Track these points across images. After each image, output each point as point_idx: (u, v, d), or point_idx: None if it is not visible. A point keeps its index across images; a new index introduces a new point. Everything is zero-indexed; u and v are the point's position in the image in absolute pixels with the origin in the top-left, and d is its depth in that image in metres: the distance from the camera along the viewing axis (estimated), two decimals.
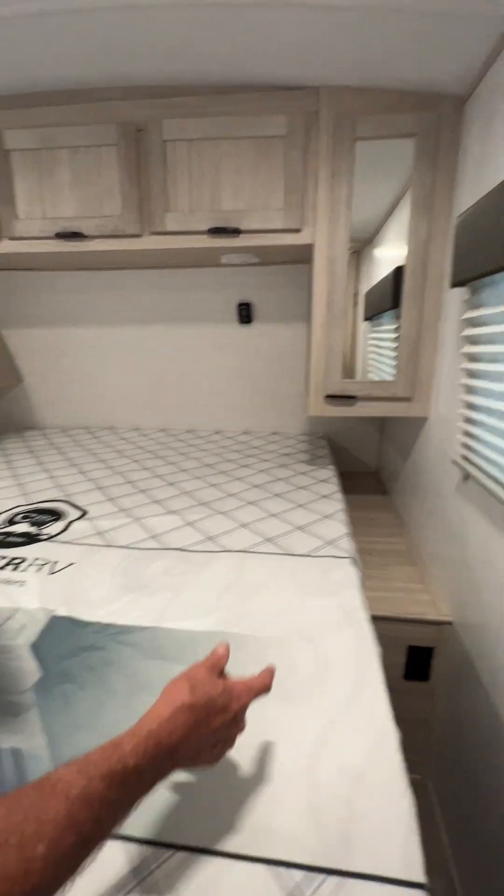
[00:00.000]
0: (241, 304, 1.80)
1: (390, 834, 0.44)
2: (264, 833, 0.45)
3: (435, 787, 1.18)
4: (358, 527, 1.43)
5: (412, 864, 0.41)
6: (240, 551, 1.03)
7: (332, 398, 1.35)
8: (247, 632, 0.75)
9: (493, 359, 0.94)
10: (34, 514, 1.25)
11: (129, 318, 1.93)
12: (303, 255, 1.51)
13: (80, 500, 1.35)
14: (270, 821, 0.46)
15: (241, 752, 0.55)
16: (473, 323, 1.01)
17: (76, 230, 1.29)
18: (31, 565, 0.98)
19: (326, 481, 1.49)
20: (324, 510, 1.25)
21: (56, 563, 0.99)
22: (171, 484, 1.48)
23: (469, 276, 0.93)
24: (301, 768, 0.52)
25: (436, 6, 0.84)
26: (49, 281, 1.81)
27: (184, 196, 1.24)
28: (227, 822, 0.46)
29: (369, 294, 1.55)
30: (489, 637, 0.90)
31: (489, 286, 0.95)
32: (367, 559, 1.36)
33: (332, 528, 1.15)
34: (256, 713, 0.60)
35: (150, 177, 1.24)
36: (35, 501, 1.34)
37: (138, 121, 1.21)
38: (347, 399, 1.35)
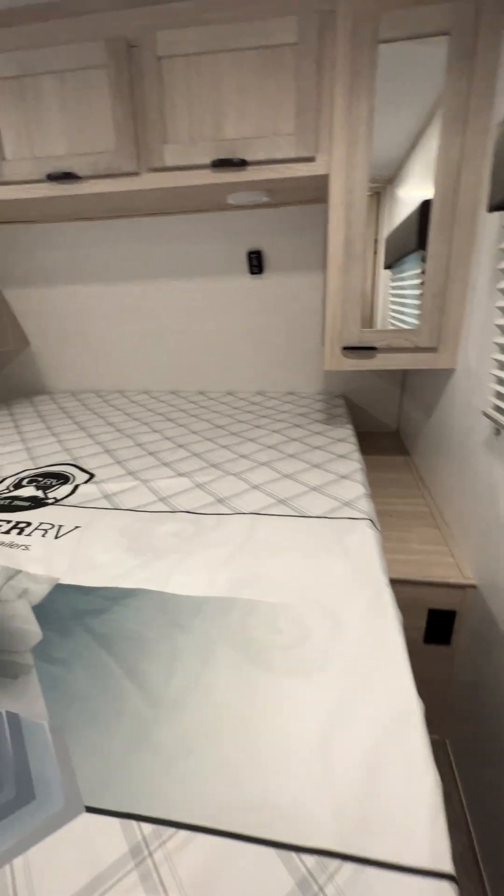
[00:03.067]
0: (251, 253, 1.67)
1: (413, 818, 0.40)
2: (272, 813, 0.41)
3: (453, 747, 1.16)
4: (377, 488, 1.36)
5: (439, 852, 0.37)
6: (251, 513, 0.97)
7: (350, 350, 1.25)
8: (258, 597, 0.71)
9: None
10: (41, 478, 1.22)
11: (131, 273, 1.82)
12: (318, 193, 1.37)
13: (88, 464, 1.31)
14: (280, 800, 0.42)
15: (249, 724, 0.51)
16: None
17: (68, 170, 1.18)
18: (36, 529, 0.95)
19: (343, 441, 1.41)
20: (340, 470, 1.18)
21: (61, 526, 0.96)
22: (181, 446, 1.43)
23: None
24: (314, 743, 0.48)
25: None
26: (45, 234, 1.70)
27: (183, 123, 1.11)
28: (232, 800, 0.43)
29: (390, 238, 1.40)
30: None
31: None
32: (387, 521, 1.29)
33: (349, 488, 1.08)
34: (266, 683, 0.56)
35: (146, 102, 1.11)
36: (42, 466, 1.31)
37: (129, 35, 1.07)
38: (367, 350, 1.24)
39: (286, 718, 0.52)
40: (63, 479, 1.21)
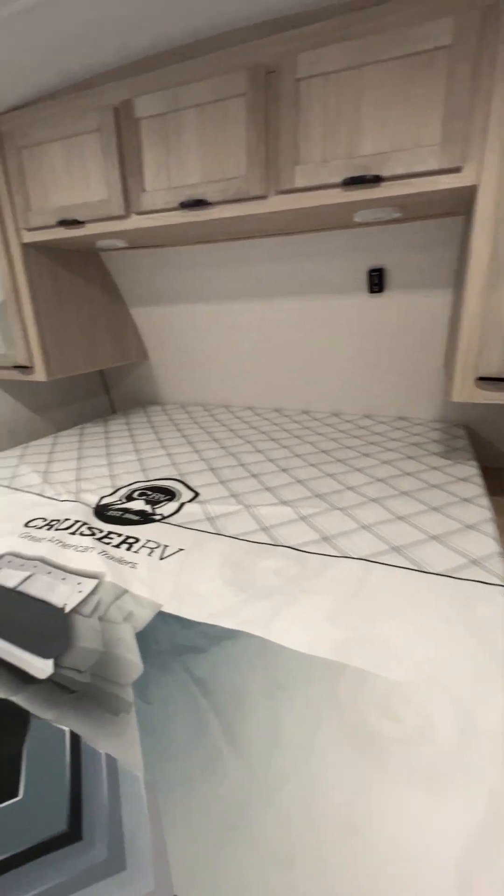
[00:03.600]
0: (372, 271, 1.58)
1: None
2: None
3: None
4: None
5: None
6: (361, 559, 0.88)
7: (488, 381, 1.09)
8: (370, 667, 0.62)
9: None
10: (150, 492, 1.27)
11: (248, 292, 1.84)
12: (454, 207, 1.24)
13: (193, 481, 1.33)
14: None
15: (360, 838, 0.43)
16: None
17: (200, 197, 1.22)
18: (143, 546, 0.97)
19: (467, 480, 1.25)
20: (465, 518, 1.03)
21: (166, 547, 0.97)
22: (284, 470, 1.38)
23: None
24: (448, 881, 0.39)
25: None
26: (169, 257, 1.80)
27: (316, 144, 1.08)
28: None
29: None
30: None
31: None
32: None
33: (477, 542, 0.93)
34: (381, 787, 0.47)
35: (280, 125, 1.09)
36: (152, 479, 1.37)
37: (269, 62, 1.07)
38: None
39: (407, 838, 0.43)
40: (170, 494, 1.24)
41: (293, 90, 1.06)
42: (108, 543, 0.98)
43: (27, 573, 0.88)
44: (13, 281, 1.61)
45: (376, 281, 1.60)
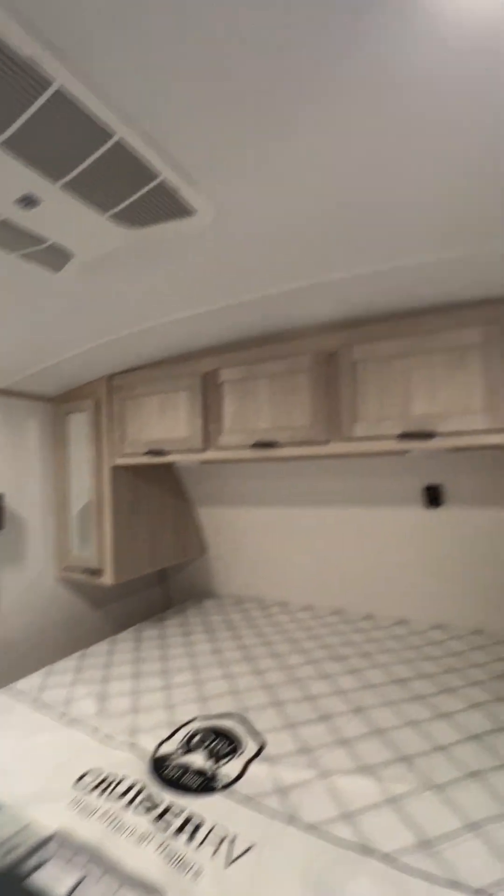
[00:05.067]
0: (428, 488, 1.66)
1: None
2: None
3: None
4: None
5: None
6: (480, 891, 0.70)
7: None
8: None
9: None
10: (212, 737, 1.15)
11: (308, 501, 1.96)
12: None
13: (258, 721, 1.21)
14: None
15: None
16: None
17: (270, 440, 1.42)
18: (206, 837, 0.84)
19: None
20: None
21: (234, 839, 0.83)
22: (358, 711, 1.24)
23: None
24: None
25: None
26: (238, 469, 2.01)
27: (373, 405, 1.27)
28: None
29: None
30: None
31: None
32: None
33: None
34: None
35: (340, 392, 1.32)
36: (213, 714, 1.26)
37: (329, 348, 1.35)
38: None
39: None
40: (232, 744, 1.12)
41: (350, 369, 1.30)
42: (166, 829, 0.86)
43: (77, 877, 0.77)
44: (99, 494, 1.82)
45: (433, 496, 1.66)
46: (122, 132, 0.61)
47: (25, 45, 0.49)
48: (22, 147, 0.61)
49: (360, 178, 0.73)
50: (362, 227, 0.86)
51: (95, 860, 0.80)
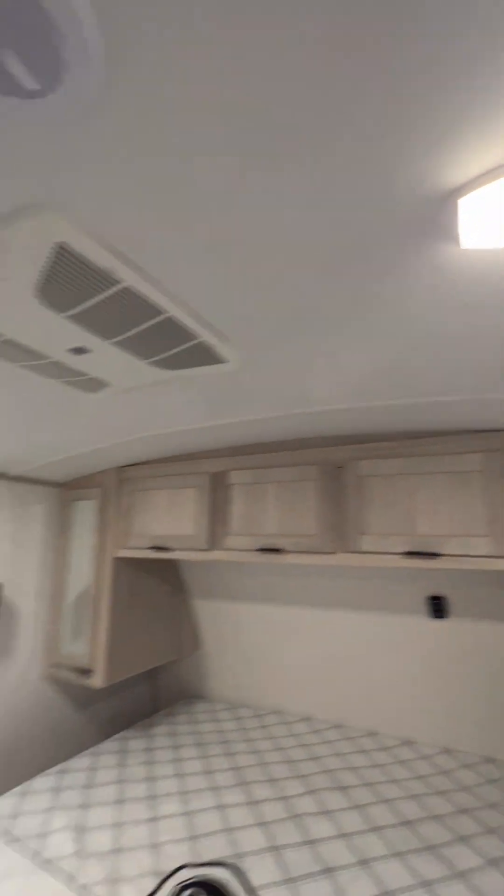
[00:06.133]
0: (432, 598, 1.65)
1: None
2: None
3: None
4: None
5: None
6: None
7: None
8: None
9: None
10: (202, 890, 1.03)
11: (310, 601, 1.92)
12: None
13: (252, 869, 1.09)
14: None
15: None
16: None
17: (276, 546, 1.43)
18: None
19: None
20: None
21: None
22: (363, 864, 1.12)
23: None
24: None
25: None
26: (240, 565, 1.99)
27: (379, 520, 1.31)
28: None
29: None
30: None
31: None
32: None
33: None
34: None
35: (347, 504, 1.36)
36: (203, 862, 1.13)
37: (337, 461, 1.42)
38: None
39: None
40: None
41: (357, 483, 1.36)
42: None
43: None
44: (99, 584, 1.79)
45: (437, 607, 1.64)
46: (173, 311, 0.70)
47: (103, 260, 0.59)
48: (83, 318, 0.71)
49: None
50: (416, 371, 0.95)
51: None
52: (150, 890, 1.04)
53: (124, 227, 0.53)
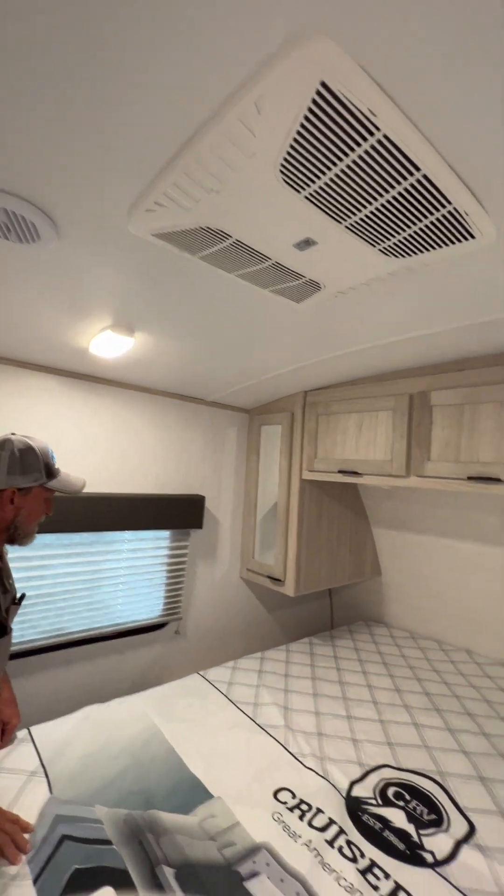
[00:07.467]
0: None
1: None
2: None
3: None
4: None
5: None
6: None
7: None
8: None
9: None
10: (407, 794, 1.07)
11: (498, 539, 1.69)
12: None
13: (459, 791, 1.07)
14: None
15: None
16: None
17: (492, 475, 1.24)
18: None
19: None
20: None
21: None
22: None
23: None
24: None
25: None
26: (425, 492, 1.84)
27: None
28: None
29: None
30: None
31: None
32: None
33: None
34: None
35: None
36: (404, 767, 1.17)
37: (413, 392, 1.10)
38: None
39: None
40: (434, 812, 1.01)
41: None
42: (374, 892, 0.81)
43: None
44: (286, 505, 1.88)
45: None
46: (430, 166, 0.57)
47: (365, 98, 0.48)
48: (322, 196, 0.63)
49: None
50: None
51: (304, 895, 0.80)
52: (354, 777, 1.12)
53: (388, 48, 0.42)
